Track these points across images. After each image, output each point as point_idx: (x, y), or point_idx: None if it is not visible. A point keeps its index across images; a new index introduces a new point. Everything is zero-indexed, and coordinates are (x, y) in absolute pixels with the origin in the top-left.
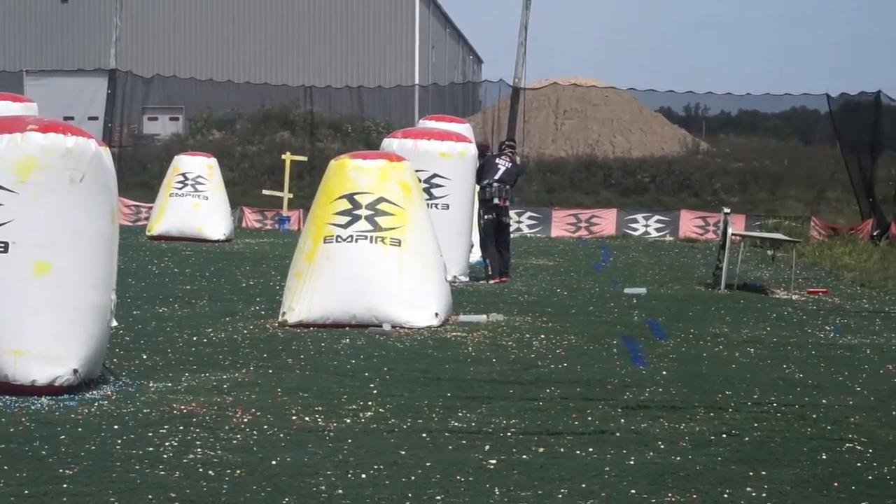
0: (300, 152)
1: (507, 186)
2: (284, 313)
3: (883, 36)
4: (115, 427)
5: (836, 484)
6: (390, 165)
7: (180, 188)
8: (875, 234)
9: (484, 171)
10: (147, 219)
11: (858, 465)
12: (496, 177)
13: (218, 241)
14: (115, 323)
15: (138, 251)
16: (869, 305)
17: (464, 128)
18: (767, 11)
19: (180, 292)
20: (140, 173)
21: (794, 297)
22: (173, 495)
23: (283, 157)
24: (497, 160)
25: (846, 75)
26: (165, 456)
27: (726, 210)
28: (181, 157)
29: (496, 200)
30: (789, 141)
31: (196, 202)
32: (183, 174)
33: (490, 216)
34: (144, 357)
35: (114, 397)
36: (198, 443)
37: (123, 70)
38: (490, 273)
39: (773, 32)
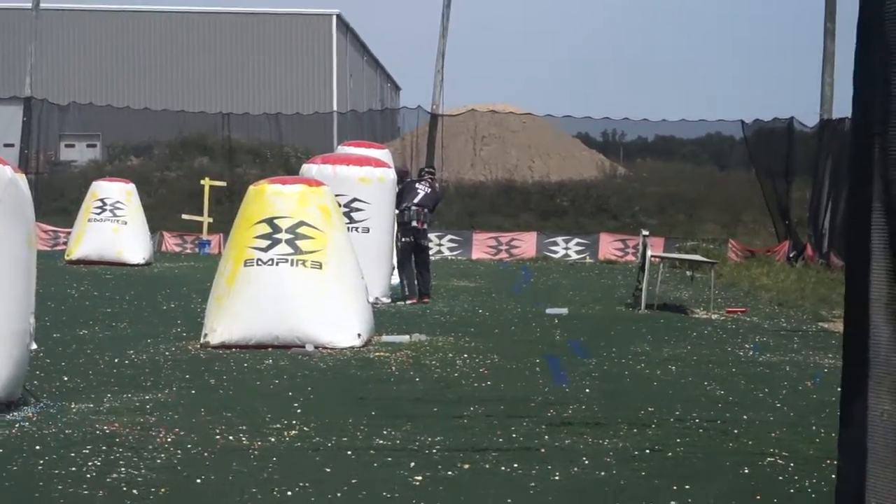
0: (219, 178)
1: (426, 210)
2: (206, 335)
3: (796, 64)
4: (37, 448)
5: (758, 497)
6: (309, 190)
7: (99, 213)
8: (791, 255)
9: (403, 195)
10: (65, 243)
11: (780, 478)
12: (415, 201)
13: (137, 264)
14: (34, 346)
15: (57, 275)
16: (787, 324)
17: (382, 153)
18: (680, 40)
19: (101, 315)
20: (58, 199)
21: (714, 317)
22: None
23: (203, 182)
24: (417, 185)
25: (760, 102)
26: (89, 476)
27: (645, 232)
28: (99, 183)
29: (414, 223)
30: (705, 166)
31: (115, 227)
32: (101, 199)
33: (408, 239)
34: (66, 379)
35: (35, 419)
36: (121, 462)
37: (39, 98)
38: (407, 294)
39: (688, 60)
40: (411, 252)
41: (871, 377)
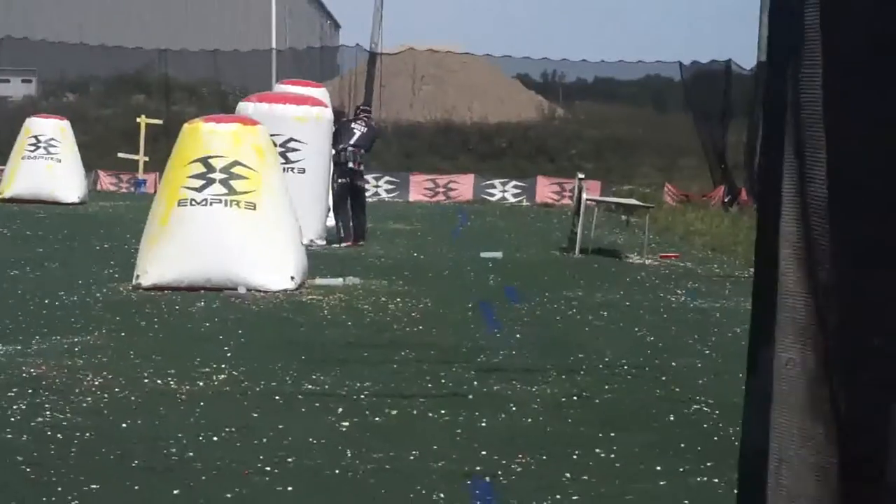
0: (155, 115)
1: (362, 151)
2: (138, 276)
3: (734, 4)
4: None
5: (683, 445)
6: (244, 129)
7: (32, 150)
8: (726, 200)
9: (339, 135)
10: None
11: (705, 425)
12: (351, 141)
13: (72, 203)
14: None
15: None
16: (720, 270)
17: (320, 92)
18: None
19: (32, 255)
20: None
21: (648, 262)
22: (20, 458)
23: (139, 120)
24: (353, 125)
25: (698, 44)
26: (13, 419)
27: (580, 175)
28: (33, 120)
29: (350, 164)
30: (644, 109)
31: (49, 164)
32: (35, 136)
33: (344, 180)
34: None
35: None
36: (47, 406)
37: None
38: (342, 236)
39: (627, 1)
40: (347, 194)
41: (778, 323)
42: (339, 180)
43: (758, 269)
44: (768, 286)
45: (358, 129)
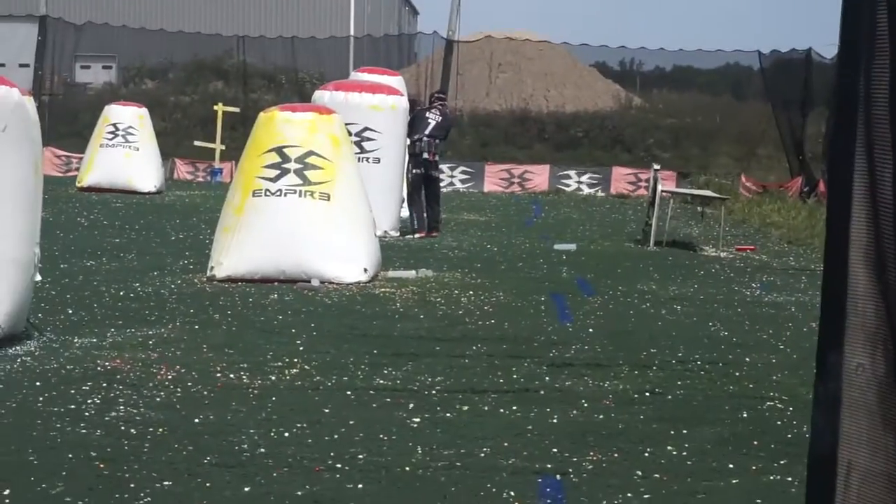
0: (233, 103)
1: (437, 141)
2: (212, 268)
3: None
4: (38, 384)
5: (755, 442)
6: (320, 118)
7: (111, 139)
8: (804, 191)
9: (414, 125)
10: (78, 169)
11: (778, 423)
12: (426, 131)
13: (148, 192)
14: (38, 277)
15: (68, 203)
16: (795, 263)
17: (396, 80)
18: None
19: (109, 245)
20: (72, 122)
21: (723, 255)
22: (94, 454)
23: (216, 107)
24: (427, 114)
25: (778, 33)
26: (87, 413)
27: (656, 166)
28: (112, 107)
29: (426, 155)
30: (722, 97)
31: (127, 153)
32: (114, 124)
33: (418, 170)
34: (70, 312)
35: (37, 353)
36: (120, 400)
37: (54, 16)
38: (416, 227)
39: None
40: (422, 184)
41: (848, 328)
42: (414, 171)
43: (826, 271)
44: (837, 289)
45: (433, 119)
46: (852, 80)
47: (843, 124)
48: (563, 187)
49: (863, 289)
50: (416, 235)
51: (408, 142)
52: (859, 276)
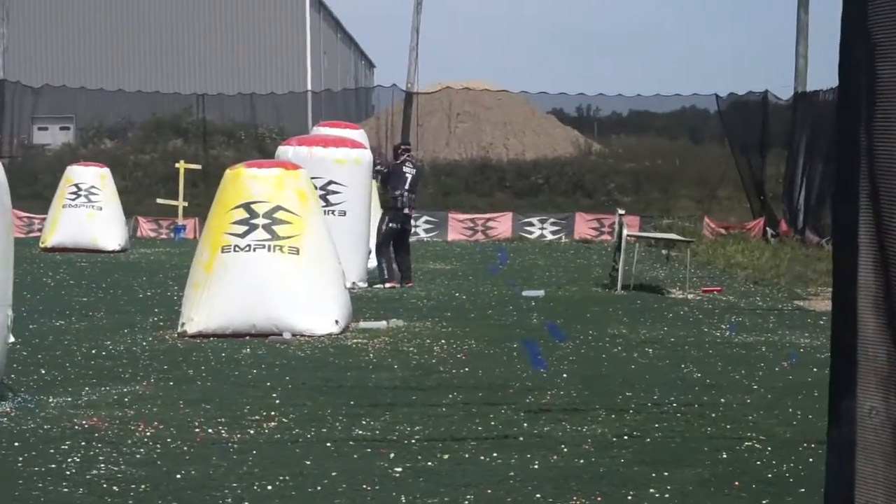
0: (193, 160)
1: (413, 195)
2: (183, 324)
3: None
4: (16, 444)
5: (736, 483)
6: (286, 174)
7: (73, 199)
8: (774, 233)
9: (392, 180)
10: (40, 230)
11: (758, 463)
12: (406, 186)
13: (113, 251)
14: (12, 339)
15: (32, 263)
16: (762, 303)
17: (358, 133)
18: (654, 15)
19: (77, 304)
20: (31, 184)
21: (690, 297)
22: None
23: (177, 165)
24: (404, 168)
25: (734, 76)
26: (68, 472)
27: (621, 211)
28: (73, 168)
29: (406, 210)
30: (680, 140)
31: (90, 213)
32: (76, 185)
33: (395, 225)
34: (43, 372)
35: (13, 414)
36: (101, 458)
37: (12, 80)
38: (387, 277)
39: (663, 36)
40: (394, 237)
41: (860, 373)
42: (391, 224)
43: (835, 318)
44: (847, 336)
45: (409, 173)
46: (853, 131)
47: (845, 176)
48: (526, 235)
49: (872, 334)
50: (387, 285)
51: (387, 195)
52: (868, 322)
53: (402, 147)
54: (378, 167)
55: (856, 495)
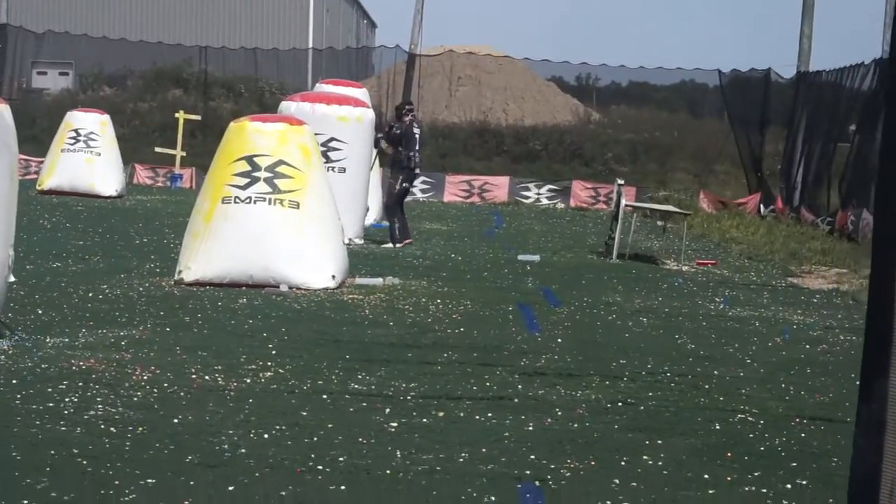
0: (192, 111)
1: (420, 155)
2: (181, 271)
3: (774, 14)
4: (14, 382)
5: (729, 454)
6: (290, 129)
7: (72, 144)
8: (771, 209)
9: (405, 140)
10: (37, 173)
11: (750, 436)
12: (417, 147)
13: (110, 197)
14: (12, 278)
15: (29, 206)
16: (756, 278)
17: (360, 92)
18: None
19: (73, 248)
20: (30, 127)
21: (685, 269)
22: (76, 451)
23: (177, 115)
24: (413, 129)
25: (737, 54)
26: (66, 412)
27: (620, 181)
28: (74, 114)
29: (417, 170)
30: (679, 113)
31: (88, 158)
32: (75, 130)
33: (407, 184)
34: (40, 312)
35: (11, 352)
36: (98, 399)
37: (14, 25)
38: (400, 237)
39: (668, 9)
40: (405, 196)
41: (894, 356)
42: (404, 184)
43: (871, 301)
44: (881, 317)
45: (417, 133)
46: None
47: (889, 171)
48: (522, 199)
49: None
50: (403, 243)
51: (400, 155)
52: None
53: (407, 107)
54: (394, 128)
55: (882, 473)
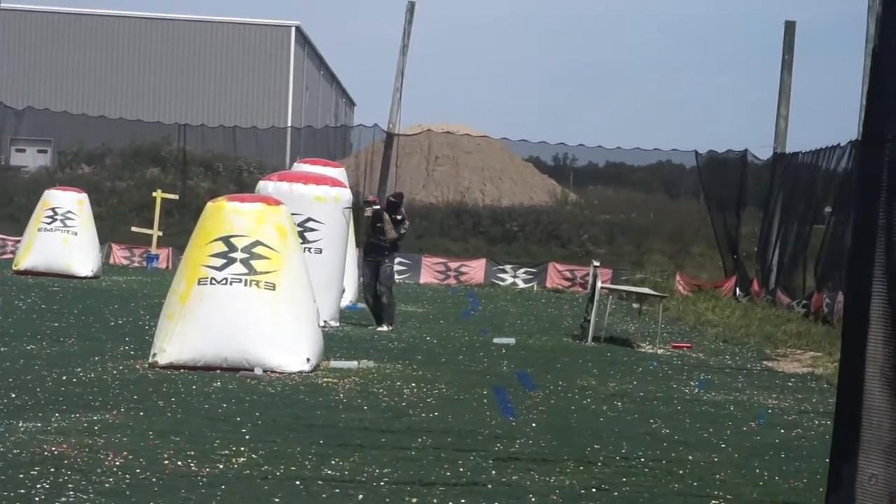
0: (171, 190)
1: None
2: (155, 354)
3: (752, 96)
4: None
5: None
6: (267, 209)
7: (49, 223)
8: (745, 293)
9: (399, 222)
10: (13, 252)
11: None
12: (402, 230)
13: (86, 277)
14: None
15: (4, 286)
16: (731, 362)
17: (338, 172)
18: (638, 66)
19: (48, 329)
20: (6, 206)
21: (660, 352)
22: None
23: (154, 194)
24: (402, 213)
25: (714, 135)
26: (37, 499)
27: (596, 263)
28: (51, 192)
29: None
30: (656, 194)
31: (65, 237)
32: (52, 209)
33: (394, 264)
34: (13, 396)
35: None
36: (70, 485)
37: None
38: (390, 320)
39: (646, 90)
40: None
41: (863, 440)
42: (392, 264)
43: (841, 387)
44: (852, 404)
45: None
46: (872, 211)
47: (861, 250)
48: (498, 281)
49: (878, 404)
50: (390, 327)
51: (395, 235)
52: (875, 392)
53: (394, 200)
54: (397, 216)
55: None
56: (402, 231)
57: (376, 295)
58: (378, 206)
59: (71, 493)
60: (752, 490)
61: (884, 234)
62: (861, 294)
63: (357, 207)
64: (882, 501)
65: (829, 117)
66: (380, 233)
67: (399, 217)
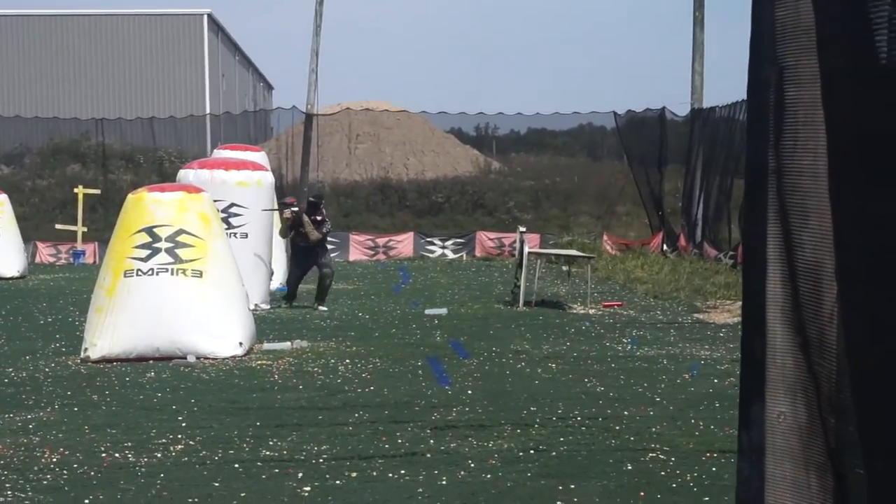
0: (93, 185)
1: None
2: (87, 349)
3: (666, 53)
4: None
5: (642, 494)
6: (189, 197)
7: None
8: (673, 248)
9: (323, 222)
10: None
11: (662, 473)
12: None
13: (12, 278)
14: None
15: None
16: (663, 317)
17: (259, 156)
18: (553, 33)
19: None
20: None
21: (591, 312)
22: None
23: (76, 190)
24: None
25: (632, 94)
26: None
27: (522, 228)
28: None
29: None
30: (578, 157)
31: None
32: None
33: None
34: None
35: None
36: (7, 485)
37: None
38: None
39: (562, 54)
40: None
41: (768, 379)
42: (326, 253)
43: (745, 329)
44: (756, 345)
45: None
46: (762, 149)
47: (754, 194)
48: (427, 254)
49: (780, 343)
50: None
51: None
52: (776, 331)
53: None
54: (319, 219)
55: (766, 497)
56: (325, 230)
57: (299, 281)
58: (297, 209)
59: (9, 492)
60: (689, 441)
61: (774, 178)
62: (757, 237)
63: (278, 199)
64: (791, 438)
65: (744, 71)
66: (302, 237)
67: (319, 218)
